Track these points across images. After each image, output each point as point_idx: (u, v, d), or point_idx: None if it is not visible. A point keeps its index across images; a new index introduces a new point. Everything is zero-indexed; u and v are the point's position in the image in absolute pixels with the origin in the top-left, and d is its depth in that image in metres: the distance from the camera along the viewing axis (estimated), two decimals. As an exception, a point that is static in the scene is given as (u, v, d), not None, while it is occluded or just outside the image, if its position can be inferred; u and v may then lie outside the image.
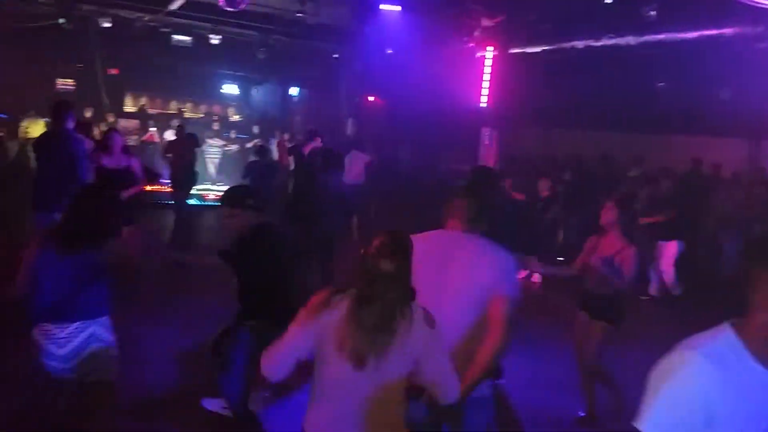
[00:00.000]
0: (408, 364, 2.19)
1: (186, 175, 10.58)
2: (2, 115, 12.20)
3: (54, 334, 2.97)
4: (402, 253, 2.19)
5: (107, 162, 6.29)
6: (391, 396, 2.19)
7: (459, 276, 2.69)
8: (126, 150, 6.60)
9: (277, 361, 2.27)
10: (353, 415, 2.16)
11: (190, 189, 10.64)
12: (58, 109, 5.83)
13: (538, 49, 12.37)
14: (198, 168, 10.81)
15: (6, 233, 7.99)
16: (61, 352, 2.98)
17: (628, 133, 12.65)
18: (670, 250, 7.93)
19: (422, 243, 2.44)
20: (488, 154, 11.11)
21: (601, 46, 11.99)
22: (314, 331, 2.20)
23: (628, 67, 11.89)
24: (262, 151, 10.72)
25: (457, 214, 2.88)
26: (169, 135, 13.19)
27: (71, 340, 2.98)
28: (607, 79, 12.35)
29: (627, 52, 11.71)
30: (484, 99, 11.26)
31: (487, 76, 11.19)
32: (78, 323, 3.00)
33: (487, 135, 11.11)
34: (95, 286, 3.05)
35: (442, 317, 2.30)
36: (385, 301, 2.14)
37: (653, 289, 8.17)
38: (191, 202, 10.93)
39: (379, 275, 2.15)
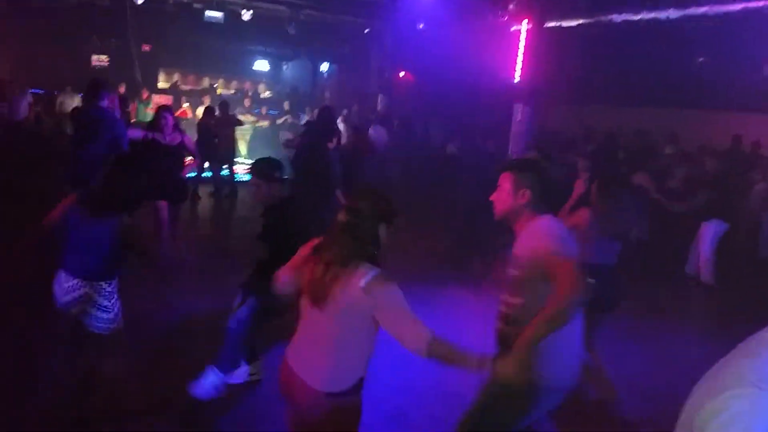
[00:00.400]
0: (355, 314, 2.29)
1: (228, 151, 10.79)
2: (38, 91, 12.40)
3: (60, 281, 3.33)
4: (357, 211, 2.34)
5: (161, 139, 6.34)
6: (344, 340, 2.33)
7: None
8: (177, 126, 6.62)
9: (283, 279, 2.61)
10: (310, 347, 2.39)
11: (233, 164, 10.86)
12: (92, 87, 5.87)
13: (574, 23, 12.07)
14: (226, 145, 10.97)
15: (43, 207, 8.12)
16: (61, 297, 3.34)
17: (665, 108, 12.30)
18: (710, 231, 7.63)
19: None
20: (520, 131, 10.90)
21: (640, 19, 11.64)
22: (297, 265, 2.53)
23: (667, 42, 11.51)
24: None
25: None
26: (201, 112, 13.27)
27: (71, 292, 3.31)
28: (645, 54, 12.00)
29: (667, 26, 11.35)
30: (517, 74, 11.02)
31: (521, 51, 10.93)
32: (78, 280, 3.30)
33: (519, 111, 10.89)
34: (105, 252, 3.29)
35: None
36: (330, 251, 2.34)
37: (689, 268, 7.95)
38: (236, 177, 11.13)
39: (335, 224, 2.39)
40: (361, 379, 2.40)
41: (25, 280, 4.80)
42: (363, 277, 2.26)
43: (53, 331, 3.78)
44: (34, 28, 15.81)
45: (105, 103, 5.83)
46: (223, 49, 18.28)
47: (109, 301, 3.36)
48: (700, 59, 12.46)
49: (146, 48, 17.51)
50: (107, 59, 17.64)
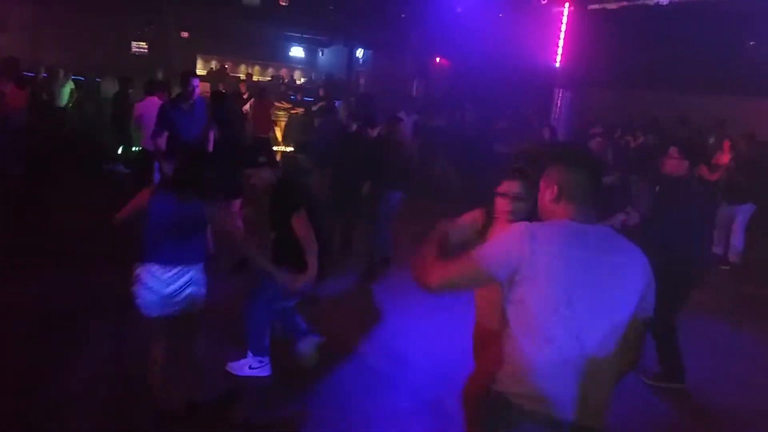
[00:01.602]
0: None
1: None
2: (79, 78, 12.61)
3: (159, 275, 3.21)
4: None
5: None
6: None
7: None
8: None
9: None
10: None
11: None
12: (184, 78, 5.96)
13: (617, 5, 11.69)
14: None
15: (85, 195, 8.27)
16: (165, 291, 3.23)
17: (712, 95, 11.86)
18: (743, 213, 7.72)
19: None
20: (561, 117, 10.65)
21: (687, 1, 11.23)
22: None
23: (715, 25, 11.07)
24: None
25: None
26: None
27: (174, 281, 3.24)
28: (691, 38, 11.56)
29: (715, 8, 10.91)
30: (558, 59, 10.75)
31: (562, 35, 10.64)
32: (181, 267, 3.26)
33: (560, 96, 10.63)
34: (197, 234, 3.32)
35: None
36: None
37: (718, 249, 7.85)
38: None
39: None
40: None
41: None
42: None
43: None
44: (74, 16, 16.12)
45: (196, 91, 5.89)
46: (260, 35, 18.35)
47: (204, 277, 3.42)
48: (751, 42, 11.94)
49: (184, 35, 17.69)
50: (146, 46, 17.87)
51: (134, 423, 3.40)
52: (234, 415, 3.63)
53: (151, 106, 7.30)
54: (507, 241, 1.95)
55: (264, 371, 3.88)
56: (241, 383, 3.84)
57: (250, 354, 3.85)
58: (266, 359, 3.89)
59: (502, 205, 2.78)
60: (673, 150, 4.39)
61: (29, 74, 11.01)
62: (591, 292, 1.85)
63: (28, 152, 8.46)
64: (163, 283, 3.22)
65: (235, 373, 3.86)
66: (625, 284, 1.89)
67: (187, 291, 3.31)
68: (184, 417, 3.41)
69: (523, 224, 1.99)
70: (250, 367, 3.85)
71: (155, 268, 3.22)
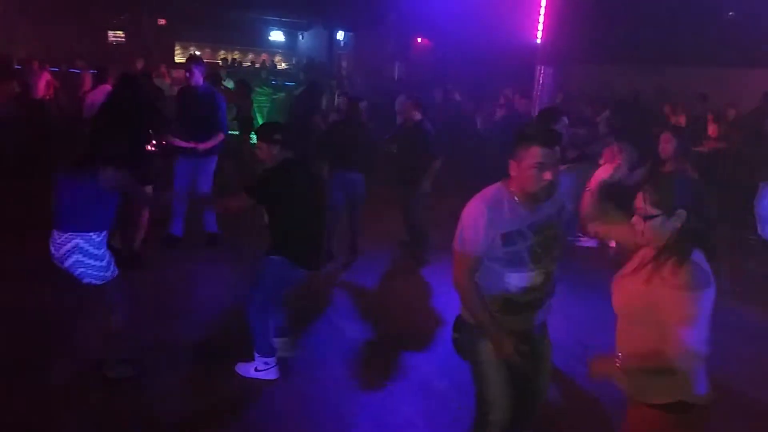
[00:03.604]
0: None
1: (246, 122, 10.70)
2: (54, 69, 12.38)
3: (54, 239, 3.52)
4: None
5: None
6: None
7: None
8: None
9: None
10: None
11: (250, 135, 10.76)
12: (188, 63, 5.95)
13: (597, -21, 11.63)
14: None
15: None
16: (56, 254, 3.51)
17: (692, 67, 11.87)
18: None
19: None
20: (543, 94, 10.63)
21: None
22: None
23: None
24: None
25: None
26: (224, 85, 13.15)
27: (62, 245, 3.49)
28: (670, 10, 11.55)
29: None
30: (539, 35, 10.70)
31: (542, 10, 10.58)
32: (68, 234, 3.49)
33: (541, 73, 10.60)
34: (89, 205, 3.50)
35: None
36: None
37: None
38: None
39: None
40: None
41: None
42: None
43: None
44: (49, 6, 15.80)
45: (200, 78, 5.86)
46: (239, 20, 18.11)
47: (99, 250, 3.54)
48: (730, 13, 11.96)
49: (162, 22, 17.42)
50: (123, 35, 17.60)
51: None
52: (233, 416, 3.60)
53: (100, 94, 7.18)
54: None
55: (270, 374, 3.78)
56: (247, 385, 3.76)
57: (256, 355, 3.77)
58: (272, 360, 3.79)
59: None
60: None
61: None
62: None
63: (14, 146, 8.31)
64: (56, 247, 3.51)
65: (241, 374, 3.78)
66: None
67: (76, 256, 3.50)
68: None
69: None
70: (255, 370, 3.77)
71: (53, 232, 3.53)
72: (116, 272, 3.64)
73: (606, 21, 11.80)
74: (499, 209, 2.43)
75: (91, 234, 3.52)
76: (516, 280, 2.47)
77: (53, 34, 15.95)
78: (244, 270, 5.21)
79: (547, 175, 2.36)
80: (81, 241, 3.49)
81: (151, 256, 5.59)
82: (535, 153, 2.35)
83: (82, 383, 3.67)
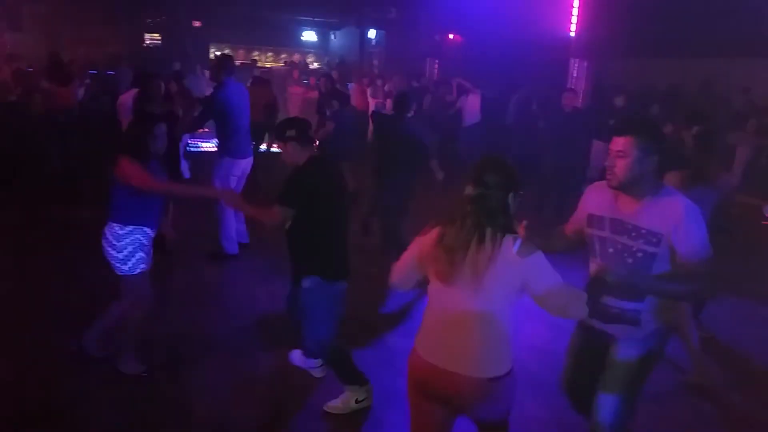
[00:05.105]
0: (506, 286, 2.23)
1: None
2: (93, 72, 12.66)
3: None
4: (486, 183, 2.25)
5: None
6: (498, 316, 2.25)
7: None
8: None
9: (398, 276, 2.53)
10: (454, 335, 2.28)
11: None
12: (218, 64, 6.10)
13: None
14: (281, 116, 10.89)
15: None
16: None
17: (736, 59, 11.50)
18: None
19: None
20: (577, 89, 10.42)
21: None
22: (417, 254, 2.42)
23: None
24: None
25: None
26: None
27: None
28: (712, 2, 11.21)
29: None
30: (573, 28, 10.50)
31: (576, 2, 10.38)
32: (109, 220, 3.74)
33: (575, 67, 10.40)
34: (115, 197, 3.67)
35: None
36: (463, 223, 2.26)
37: None
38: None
39: (463, 198, 2.29)
40: None
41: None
42: (512, 245, 2.22)
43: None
44: (87, 9, 16.18)
45: (231, 78, 5.95)
46: (272, 20, 18.29)
47: (118, 242, 3.65)
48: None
49: (197, 24, 17.70)
50: (159, 37, 17.93)
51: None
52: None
53: (129, 96, 7.31)
54: None
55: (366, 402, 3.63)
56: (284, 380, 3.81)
57: (346, 389, 3.63)
58: (368, 386, 3.66)
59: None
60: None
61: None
62: None
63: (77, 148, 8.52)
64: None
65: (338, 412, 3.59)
66: None
67: (105, 241, 3.73)
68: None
69: None
70: (356, 401, 3.59)
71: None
72: (138, 271, 3.71)
73: (644, 12, 11.50)
74: None
75: (114, 224, 3.68)
76: None
77: (94, 38, 16.36)
78: (278, 265, 5.25)
79: None
80: (107, 228, 3.70)
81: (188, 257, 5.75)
82: None
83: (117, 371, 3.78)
